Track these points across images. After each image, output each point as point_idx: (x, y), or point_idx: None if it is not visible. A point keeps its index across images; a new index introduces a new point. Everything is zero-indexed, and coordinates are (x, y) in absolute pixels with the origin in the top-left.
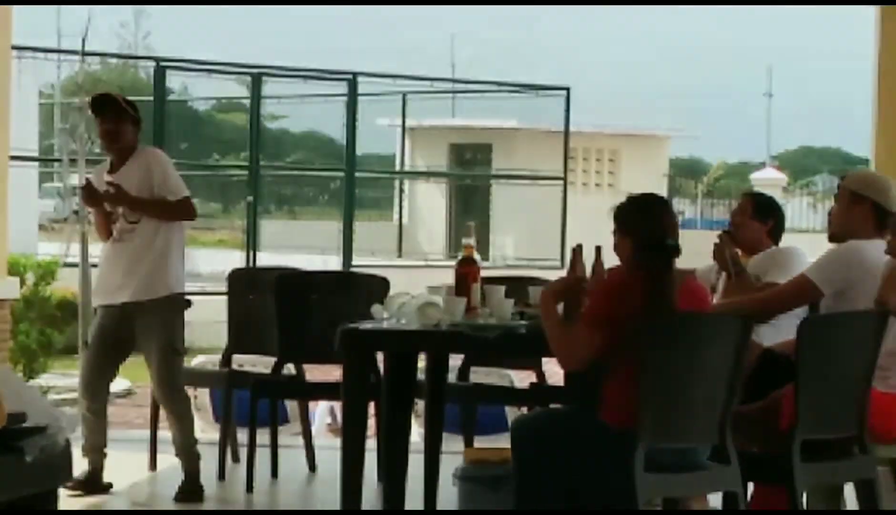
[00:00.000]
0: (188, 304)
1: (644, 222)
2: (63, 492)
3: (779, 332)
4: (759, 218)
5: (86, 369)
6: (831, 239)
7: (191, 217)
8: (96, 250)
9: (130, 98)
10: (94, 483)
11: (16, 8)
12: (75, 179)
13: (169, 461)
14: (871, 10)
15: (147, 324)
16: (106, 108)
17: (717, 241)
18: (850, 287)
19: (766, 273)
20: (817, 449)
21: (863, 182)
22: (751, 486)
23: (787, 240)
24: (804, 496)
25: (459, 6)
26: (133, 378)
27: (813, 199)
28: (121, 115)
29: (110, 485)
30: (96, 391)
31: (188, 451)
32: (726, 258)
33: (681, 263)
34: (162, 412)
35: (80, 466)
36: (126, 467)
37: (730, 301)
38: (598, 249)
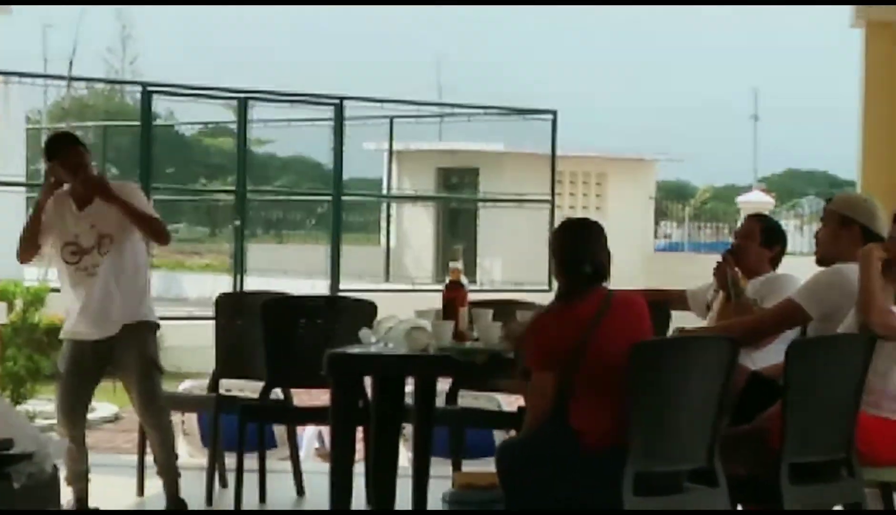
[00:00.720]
0: (158, 326)
1: (563, 248)
2: None
3: (769, 355)
4: (765, 244)
5: (63, 398)
6: (819, 262)
7: (166, 239)
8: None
9: (117, 123)
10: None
11: (1, 32)
12: None
13: (157, 486)
14: (858, 32)
15: (123, 346)
16: (66, 150)
17: (720, 260)
18: (837, 310)
19: (764, 299)
20: (805, 472)
21: (851, 206)
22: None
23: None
24: None
25: (444, 27)
26: (121, 404)
27: (800, 221)
28: (83, 152)
29: (97, 510)
30: (76, 419)
31: (171, 467)
32: (727, 279)
33: (668, 285)
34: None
35: (65, 495)
36: (114, 492)
37: (720, 325)
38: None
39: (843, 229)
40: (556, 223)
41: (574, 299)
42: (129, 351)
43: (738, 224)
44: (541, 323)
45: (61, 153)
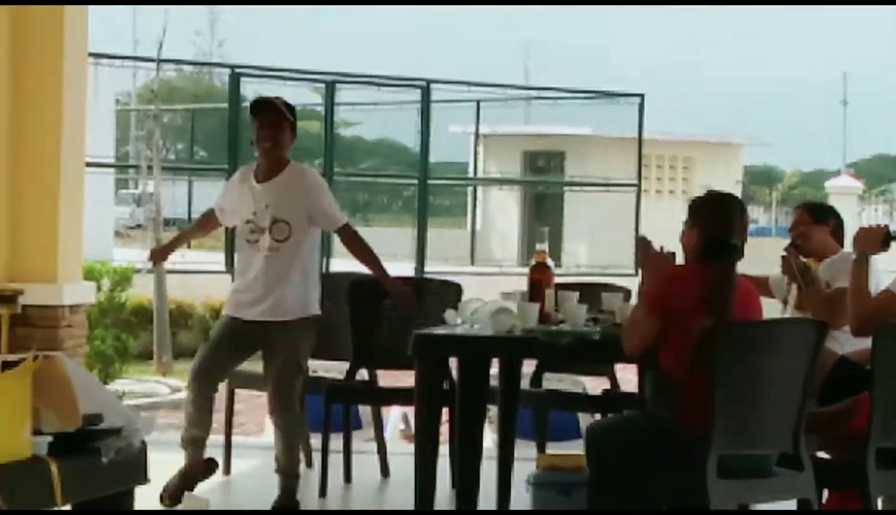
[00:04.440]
0: (319, 320)
1: (714, 217)
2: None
3: (857, 340)
4: (817, 222)
5: (199, 359)
6: None
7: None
8: (171, 256)
9: (205, 106)
10: (190, 478)
11: (92, 15)
12: (151, 186)
13: (243, 465)
14: None
15: (277, 334)
16: (264, 109)
17: (783, 255)
18: None
19: (834, 280)
20: (893, 457)
21: None
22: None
23: None
24: (878, 503)
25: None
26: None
27: (889, 206)
28: (280, 119)
29: (207, 502)
30: (204, 385)
31: (288, 470)
32: (794, 271)
33: (754, 270)
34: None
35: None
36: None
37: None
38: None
39: None
40: (642, 208)
41: (714, 266)
42: (279, 342)
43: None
44: (674, 273)
45: (254, 117)
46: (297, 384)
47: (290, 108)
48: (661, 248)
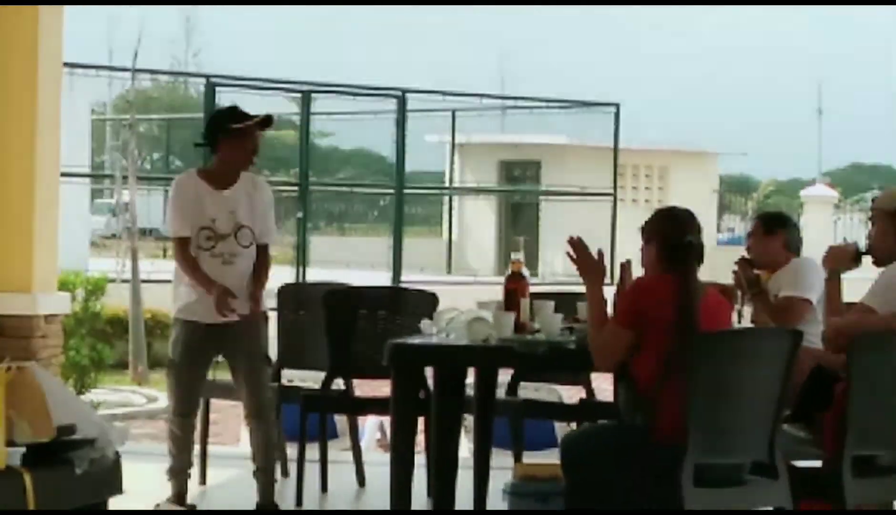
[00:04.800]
0: (267, 317)
1: (666, 224)
2: None
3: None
4: (767, 233)
5: (175, 387)
6: (876, 263)
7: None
8: (146, 266)
9: (181, 115)
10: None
11: (67, 24)
12: (126, 196)
13: (220, 475)
14: None
15: (237, 336)
16: (267, 124)
17: (734, 270)
18: None
19: (781, 289)
20: (868, 465)
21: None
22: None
23: None
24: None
25: (507, 20)
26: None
27: (865, 215)
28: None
29: (194, 507)
30: (187, 409)
31: (267, 470)
32: (742, 283)
33: (728, 278)
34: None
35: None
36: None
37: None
38: (624, 265)
39: (893, 225)
40: (618, 216)
41: (676, 271)
42: (241, 343)
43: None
44: (640, 285)
45: (261, 130)
46: (267, 375)
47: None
48: (599, 253)
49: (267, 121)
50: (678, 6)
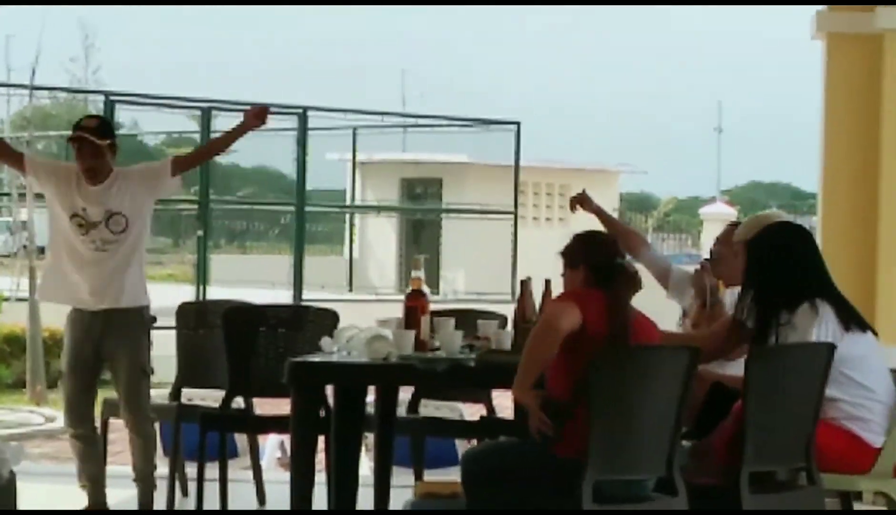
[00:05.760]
0: (154, 320)
1: (592, 248)
2: None
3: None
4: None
5: (67, 394)
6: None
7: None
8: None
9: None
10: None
11: None
12: (24, 214)
13: (117, 495)
14: (818, 45)
15: (117, 343)
16: (78, 142)
17: (698, 268)
18: None
19: (730, 309)
20: (766, 481)
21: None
22: None
23: None
24: None
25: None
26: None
27: None
28: (95, 150)
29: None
30: (81, 416)
31: (149, 476)
32: (705, 287)
33: (637, 293)
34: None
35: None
36: (72, 501)
37: (685, 336)
38: (548, 282)
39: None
40: (518, 234)
41: (609, 289)
42: (121, 352)
43: (701, 235)
44: (582, 292)
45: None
46: (146, 386)
47: (108, 126)
48: (528, 278)
49: (73, 130)
50: (579, 17)
